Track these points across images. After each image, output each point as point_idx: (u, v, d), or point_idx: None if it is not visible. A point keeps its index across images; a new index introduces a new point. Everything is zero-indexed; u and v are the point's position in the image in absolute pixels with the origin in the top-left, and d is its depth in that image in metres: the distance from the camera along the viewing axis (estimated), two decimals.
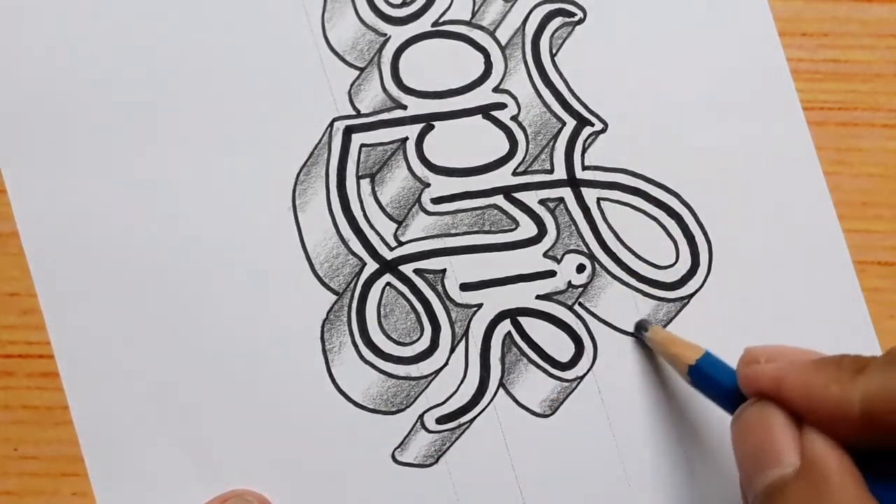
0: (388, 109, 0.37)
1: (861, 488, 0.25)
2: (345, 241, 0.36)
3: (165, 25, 0.37)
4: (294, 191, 0.37)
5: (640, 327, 0.36)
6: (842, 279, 0.37)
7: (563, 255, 0.37)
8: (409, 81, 0.37)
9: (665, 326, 0.36)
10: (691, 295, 0.37)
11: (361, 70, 0.37)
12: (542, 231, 0.37)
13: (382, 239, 0.37)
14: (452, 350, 0.36)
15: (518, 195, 0.37)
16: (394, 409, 0.36)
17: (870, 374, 0.25)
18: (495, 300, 0.37)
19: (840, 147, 0.37)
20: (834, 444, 0.26)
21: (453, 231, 0.37)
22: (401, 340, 0.36)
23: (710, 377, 0.31)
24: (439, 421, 0.36)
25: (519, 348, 0.36)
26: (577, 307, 0.37)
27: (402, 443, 0.36)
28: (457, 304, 0.36)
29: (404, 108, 0.37)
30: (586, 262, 0.37)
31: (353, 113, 0.37)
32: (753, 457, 0.27)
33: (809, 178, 0.37)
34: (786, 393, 0.27)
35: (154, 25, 0.37)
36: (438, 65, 0.37)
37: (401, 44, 0.37)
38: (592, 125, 0.37)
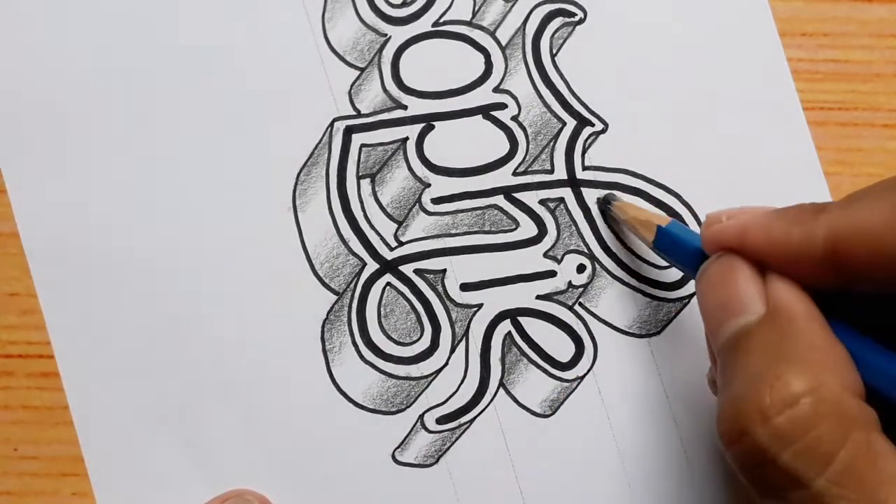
0: (389, 109, 0.37)
1: (825, 330, 0.25)
2: (345, 241, 0.36)
3: (164, 25, 0.37)
4: (294, 191, 0.37)
5: (605, 201, 0.36)
6: None
7: (564, 255, 0.37)
8: (409, 81, 0.37)
9: (665, 327, 0.36)
10: (691, 295, 0.37)
11: (362, 70, 0.37)
12: (543, 231, 0.37)
13: (383, 239, 0.37)
14: (453, 350, 0.36)
15: (518, 195, 0.37)
16: (394, 410, 0.36)
17: (831, 212, 0.25)
18: (495, 300, 0.37)
19: (840, 147, 0.37)
20: (798, 288, 0.26)
21: (453, 231, 0.37)
22: (401, 340, 0.36)
23: (677, 241, 0.31)
24: (439, 421, 0.36)
25: (519, 348, 0.36)
26: (577, 307, 0.37)
27: (402, 443, 0.36)
28: (457, 305, 0.36)
29: (404, 108, 0.37)
30: (586, 262, 0.37)
31: (354, 113, 0.37)
32: (718, 308, 0.27)
33: (810, 178, 0.37)
34: (749, 242, 0.27)
35: (153, 25, 0.37)
36: (439, 65, 0.37)
37: (401, 44, 0.37)
38: (593, 125, 0.37)
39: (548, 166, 0.37)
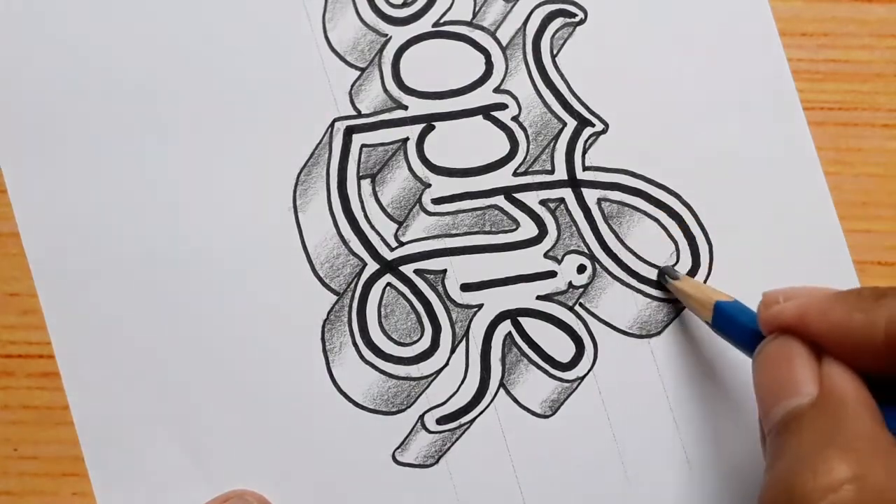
0: (389, 110, 0.37)
1: (876, 419, 0.25)
2: (345, 241, 0.36)
3: (166, 25, 0.37)
4: (295, 191, 0.37)
5: (666, 274, 0.36)
6: (843, 280, 0.37)
7: (564, 255, 0.37)
8: (409, 82, 0.37)
9: (665, 327, 0.36)
10: None
11: (362, 70, 0.37)
12: (543, 231, 0.37)
13: (383, 239, 0.37)
14: (453, 350, 0.36)
15: (519, 196, 0.37)
16: (394, 410, 0.36)
17: (892, 298, 0.25)
18: (496, 301, 0.37)
19: (840, 147, 0.37)
20: (852, 373, 0.26)
21: (454, 231, 0.37)
22: (401, 341, 0.36)
23: (734, 320, 0.31)
24: (440, 421, 0.36)
25: (519, 349, 0.36)
26: (577, 308, 0.37)
27: (402, 443, 0.36)
28: (457, 305, 0.36)
29: (405, 108, 0.37)
30: (587, 262, 0.37)
31: (354, 113, 0.37)
32: (771, 388, 0.27)
33: (810, 178, 0.37)
34: (809, 326, 0.27)
35: (155, 25, 0.37)
36: (439, 65, 0.37)
37: (402, 44, 0.37)
38: (593, 126, 0.37)
39: (548, 167, 0.37)
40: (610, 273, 0.37)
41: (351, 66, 0.37)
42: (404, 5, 0.37)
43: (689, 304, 0.34)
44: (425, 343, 0.36)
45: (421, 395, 0.36)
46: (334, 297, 0.36)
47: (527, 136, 0.37)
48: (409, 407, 0.36)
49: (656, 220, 0.37)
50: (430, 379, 0.36)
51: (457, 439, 0.36)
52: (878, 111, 0.37)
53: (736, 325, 0.31)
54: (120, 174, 0.36)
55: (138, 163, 0.36)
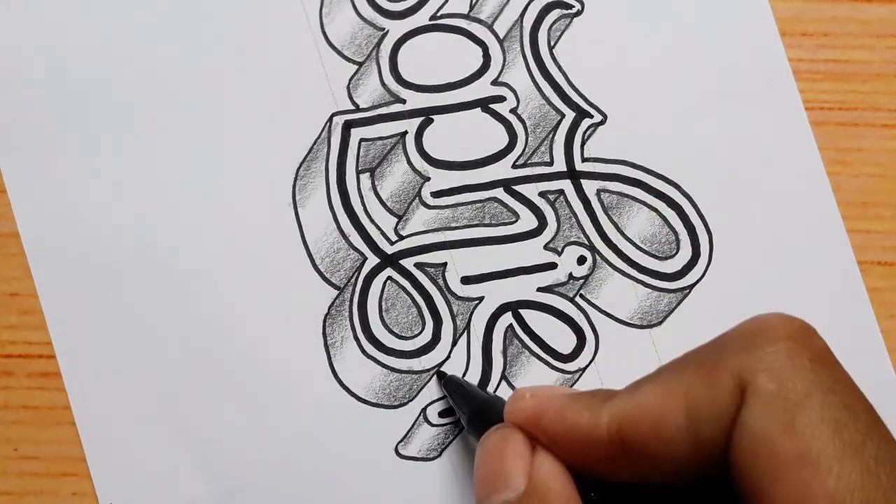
0: (387, 104, 0.37)
1: None
2: (345, 235, 0.36)
3: (163, 23, 0.37)
4: (294, 186, 0.36)
5: (441, 376, 0.36)
6: (843, 269, 0.37)
7: (564, 247, 0.37)
8: (407, 75, 0.37)
9: (666, 317, 0.36)
10: (692, 286, 0.37)
11: (360, 65, 0.37)
12: (543, 223, 0.37)
13: (383, 233, 0.36)
14: (454, 343, 0.36)
15: (518, 188, 0.37)
16: (396, 404, 0.36)
17: (617, 398, 0.26)
18: (496, 293, 0.36)
19: (840, 147, 0.37)
20: (560, 466, 0.26)
21: (454, 224, 0.37)
22: (402, 334, 0.36)
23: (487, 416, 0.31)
24: (442, 414, 0.36)
25: (521, 341, 0.36)
26: (578, 299, 0.36)
27: (405, 437, 0.35)
28: (458, 298, 0.36)
29: (403, 102, 0.37)
30: (587, 253, 0.37)
31: (352, 108, 0.37)
32: (486, 481, 0.28)
33: (810, 169, 0.37)
34: (544, 423, 0.27)
35: (152, 23, 0.37)
36: (437, 58, 0.37)
37: (399, 38, 0.37)
38: (591, 117, 0.37)
39: (547, 158, 0.37)
40: (610, 264, 0.37)
41: (348, 60, 0.37)
42: None
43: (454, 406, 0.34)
44: (427, 336, 0.36)
45: (423, 388, 0.36)
46: (335, 292, 0.36)
47: (525, 129, 0.37)
48: (411, 400, 0.36)
49: (656, 210, 0.37)
50: (431, 372, 0.36)
51: (459, 432, 0.36)
52: (878, 111, 0.38)
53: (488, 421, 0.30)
54: (119, 172, 0.36)
55: (137, 161, 0.36)
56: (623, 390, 0.26)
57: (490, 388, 0.36)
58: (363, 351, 0.36)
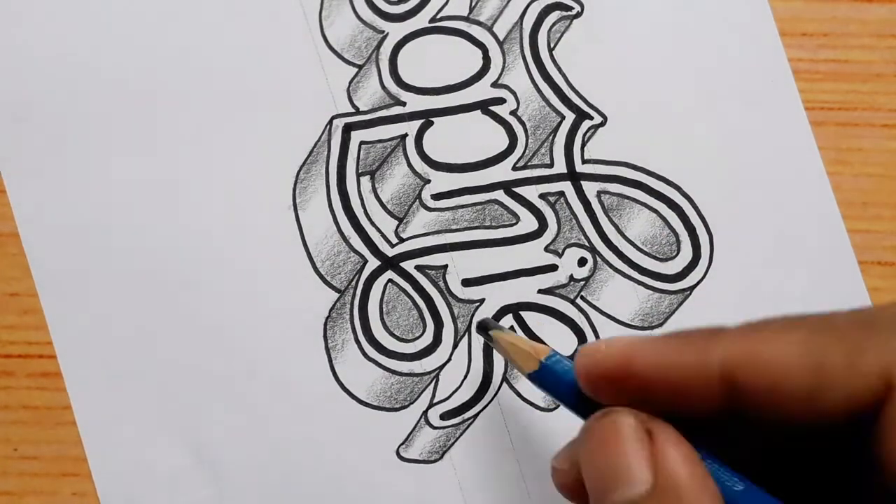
0: (387, 106, 0.37)
1: (715, 502, 0.23)
2: (346, 238, 0.36)
3: (163, 25, 0.37)
4: (294, 189, 0.36)
5: (482, 327, 0.33)
6: (844, 270, 0.37)
7: (565, 249, 0.37)
8: (407, 78, 0.37)
9: (667, 319, 0.36)
10: (693, 287, 0.37)
11: (360, 67, 0.37)
12: (543, 225, 0.37)
13: (383, 236, 0.36)
14: (455, 346, 0.36)
15: (518, 190, 0.37)
16: (398, 406, 0.36)
17: (729, 336, 0.23)
18: (497, 295, 0.36)
19: (840, 147, 0.37)
20: (688, 452, 0.23)
21: (454, 227, 0.37)
22: (403, 337, 0.36)
23: (558, 377, 0.27)
24: (443, 417, 0.36)
25: None
26: (579, 301, 0.36)
27: (406, 439, 0.35)
28: (459, 300, 0.36)
29: (403, 104, 0.37)
30: (587, 255, 0.37)
31: (352, 110, 0.37)
32: (602, 475, 0.24)
33: (810, 169, 0.37)
34: (636, 369, 0.24)
35: (152, 25, 0.37)
36: (437, 61, 0.37)
37: (399, 40, 0.37)
38: (591, 119, 0.37)
39: (547, 160, 0.37)
40: (611, 266, 0.37)
41: (348, 63, 0.37)
42: (401, 1, 0.37)
43: (511, 359, 0.30)
44: (427, 339, 0.36)
45: (424, 390, 0.36)
46: (336, 295, 0.36)
47: (525, 130, 0.37)
48: (412, 403, 0.36)
49: (657, 211, 0.37)
50: (433, 374, 0.36)
51: (461, 434, 0.35)
52: (878, 111, 0.37)
53: (563, 382, 0.27)
54: (119, 173, 0.36)
55: (137, 163, 0.36)
56: (735, 330, 0.24)
57: (491, 391, 0.36)
58: (364, 353, 0.36)
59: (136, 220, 0.36)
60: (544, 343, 0.31)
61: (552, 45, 0.37)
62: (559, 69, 0.37)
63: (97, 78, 0.36)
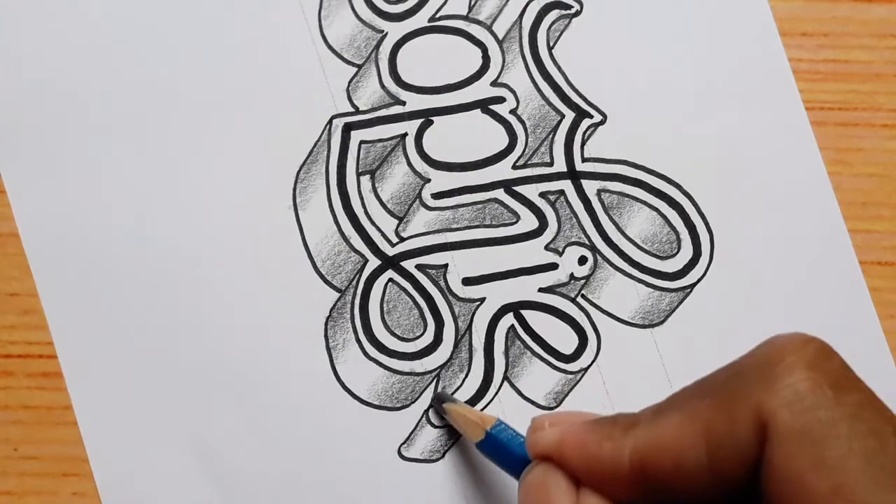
0: (387, 106, 0.37)
1: None
2: (346, 238, 0.36)
3: (163, 25, 0.37)
4: (294, 189, 0.36)
5: (438, 399, 0.35)
6: (844, 266, 0.37)
7: (565, 247, 0.37)
8: (407, 77, 0.37)
9: (668, 317, 0.36)
10: (693, 285, 0.37)
11: (359, 67, 0.37)
12: (543, 224, 0.37)
13: (384, 235, 0.36)
14: (456, 345, 0.36)
15: (518, 188, 0.37)
16: (399, 405, 0.36)
17: (638, 427, 0.25)
18: (498, 294, 0.36)
19: (840, 147, 0.37)
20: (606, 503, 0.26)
21: (454, 226, 0.37)
22: (404, 336, 0.36)
23: (503, 446, 0.30)
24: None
25: (522, 341, 0.36)
26: (579, 299, 0.36)
27: (407, 438, 0.35)
28: (459, 299, 0.36)
29: (403, 104, 0.37)
30: (588, 254, 0.37)
31: (352, 110, 0.37)
32: None
33: (810, 167, 0.37)
34: (565, 454, 0.26)
35: (151, 25, 0.37)
36: (436, 60, 0.37)
37: (398, 40, 0.37)
38: (591, 117, 0.37)
39: (547, 159, 0.37)
40: (611, 264, 0.37)
41: (348, 62, 0.37)
42: (400, 1, 0.38)
43: (461, 429, 0.33)
44: (428, 338, 0.36)
45: (425, 390, 0.36)
46: (336, 294, 0.36)
47: (525, 129, 0.37)
48: (413, 402, 0.36)
49: (657, 209, 0.37)
50: (434, 373, 0.36)
51: (462, 433, 0.35)
52: (878, 111, 0.38)
53: (504, 451, 0.30)
54: (119, 174, 0.36)
55: (137, 162, 0.36)
56: (644, 418, 0.26)
57: (492, 390, 0.36)
58: (365, 353, 0.36)
59: (137, 220, 0.36)
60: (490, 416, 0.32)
61: (552, 44, 0.38)
62: (559, 68, 0.37)
63: (96, 78, 0.36)
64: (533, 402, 0.36)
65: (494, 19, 0.38)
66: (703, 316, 0.36)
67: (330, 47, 0.37)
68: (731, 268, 0.37)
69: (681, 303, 0.36)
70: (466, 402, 0.36)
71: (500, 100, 0.37)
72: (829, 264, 0.37)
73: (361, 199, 0.37)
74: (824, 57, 0.38)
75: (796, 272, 0.37)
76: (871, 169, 0.37)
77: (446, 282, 0.36)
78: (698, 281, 0.37)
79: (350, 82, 0.37)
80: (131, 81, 0.36)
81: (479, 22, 0.38)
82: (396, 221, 0.37)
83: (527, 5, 0.38)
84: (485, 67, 0.37)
